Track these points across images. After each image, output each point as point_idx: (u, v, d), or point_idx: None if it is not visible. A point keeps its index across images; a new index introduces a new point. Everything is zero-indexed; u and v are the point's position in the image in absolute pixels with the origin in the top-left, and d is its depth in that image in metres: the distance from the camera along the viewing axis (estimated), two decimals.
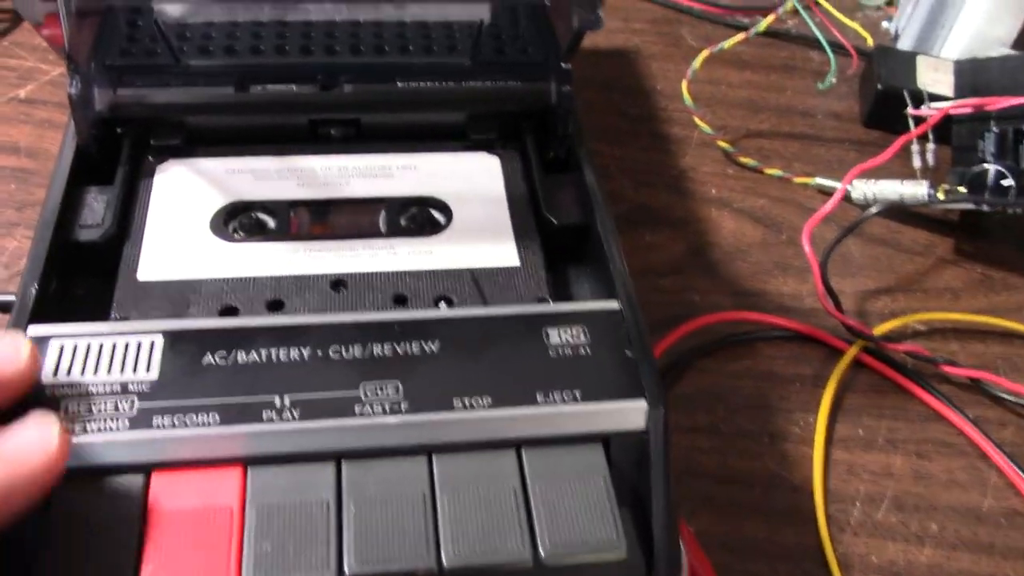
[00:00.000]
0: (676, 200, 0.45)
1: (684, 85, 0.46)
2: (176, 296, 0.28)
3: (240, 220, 0.31)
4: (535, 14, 0.33)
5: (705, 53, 0.46)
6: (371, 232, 0.31)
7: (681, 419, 0.36)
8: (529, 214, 0.32)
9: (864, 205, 0.45)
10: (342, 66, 0.34)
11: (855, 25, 0.53)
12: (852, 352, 0.39)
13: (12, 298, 0.27)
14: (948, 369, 0.38)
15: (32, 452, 0.22)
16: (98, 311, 0.28)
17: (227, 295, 0.28)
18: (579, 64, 0.52)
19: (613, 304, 0.28)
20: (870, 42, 0.53)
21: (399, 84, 0.34)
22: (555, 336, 0.27)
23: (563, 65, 0.33)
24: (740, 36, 0.45)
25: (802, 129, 0.50)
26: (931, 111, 0.43)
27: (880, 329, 0.40)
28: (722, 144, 0.47)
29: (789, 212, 0.45)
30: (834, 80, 0.49)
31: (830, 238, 0.42)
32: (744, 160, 0.47)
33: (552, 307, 0.28)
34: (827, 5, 0.43)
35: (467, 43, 0.33)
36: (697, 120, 0.47)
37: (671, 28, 0.56)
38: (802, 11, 0.42)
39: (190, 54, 0.33)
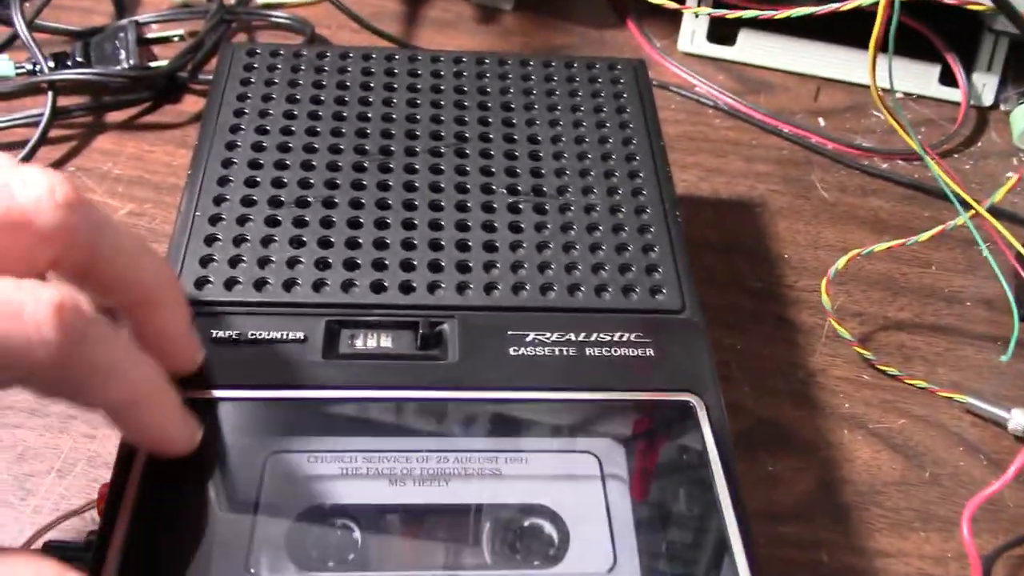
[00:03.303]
0: (803, 416, 0.40)
1: (823, 285, 0.40)
2: None
3: (319, 534, 0.26)
4: None
5: (852, 253, 0.40)
6: (474, 563, 0.26)
7: None
8: (658, 538, 0.27)
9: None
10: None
11: None
12: None
13: None
14: None
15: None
16: None
17: None
18: (699, 219, 0.47)
19: None
20: None
21: (512, 351, 0.30)
22: None
23: None
24: (895, 243, 0.39)
25: (948, 320, 0.44)
26: None
27: None
28: (860, 351, 0.41)
29: (933, 439, 0.40)
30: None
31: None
32: (883, 368, 0.41)
33: None
34: (1000, 226, 0.36)
35: None
36: (835, 323, 0.41)
37: (800, 172, 0.50)
38: (971, 227, 0.36)
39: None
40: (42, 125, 0.45)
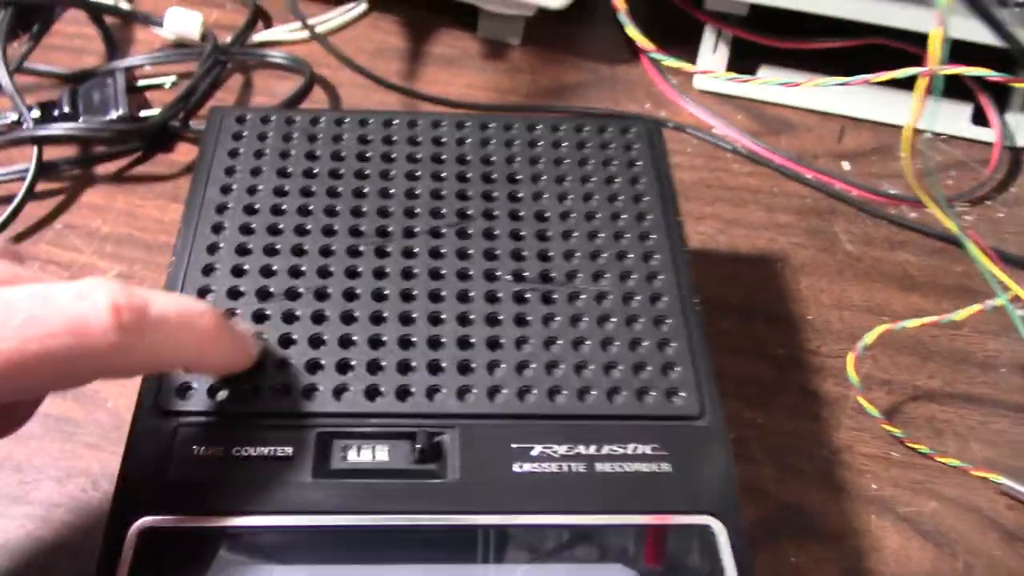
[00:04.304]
0: (828, 499, 0.38)
1: (850, 361, 0.38)
2: None
3: None
4: None
5: (882, 329, 0.37)
6: None
7: None
8: None
9: None
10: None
11: None
12: None
13: None
14: None
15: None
16: None
17: None
18: (716, 276, 0.45)
19: None
20: None
21: (516, 468, 0.27)
22: None
23: None
24: (928, 320, 0.37)
25: (981, 389, 0.42)
26: None
27: None
28: (889, 429, 0.39)
29: (966, 524, 0.37)
30: None
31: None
32: (913, 446, 0.39)
33: None
34: None
35: None
36: (863, 401, 0.39)
37: (823, 223, 0.48)
38: (1011, 312, 0.34)
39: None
40: (27, 181, 0.43)
